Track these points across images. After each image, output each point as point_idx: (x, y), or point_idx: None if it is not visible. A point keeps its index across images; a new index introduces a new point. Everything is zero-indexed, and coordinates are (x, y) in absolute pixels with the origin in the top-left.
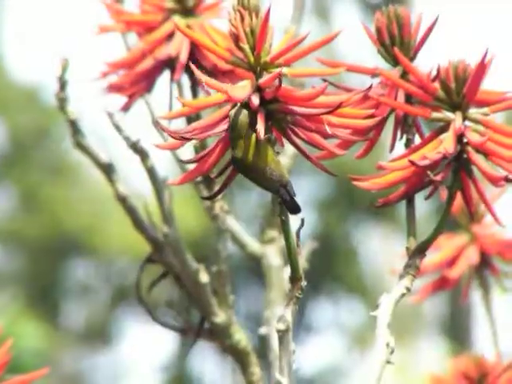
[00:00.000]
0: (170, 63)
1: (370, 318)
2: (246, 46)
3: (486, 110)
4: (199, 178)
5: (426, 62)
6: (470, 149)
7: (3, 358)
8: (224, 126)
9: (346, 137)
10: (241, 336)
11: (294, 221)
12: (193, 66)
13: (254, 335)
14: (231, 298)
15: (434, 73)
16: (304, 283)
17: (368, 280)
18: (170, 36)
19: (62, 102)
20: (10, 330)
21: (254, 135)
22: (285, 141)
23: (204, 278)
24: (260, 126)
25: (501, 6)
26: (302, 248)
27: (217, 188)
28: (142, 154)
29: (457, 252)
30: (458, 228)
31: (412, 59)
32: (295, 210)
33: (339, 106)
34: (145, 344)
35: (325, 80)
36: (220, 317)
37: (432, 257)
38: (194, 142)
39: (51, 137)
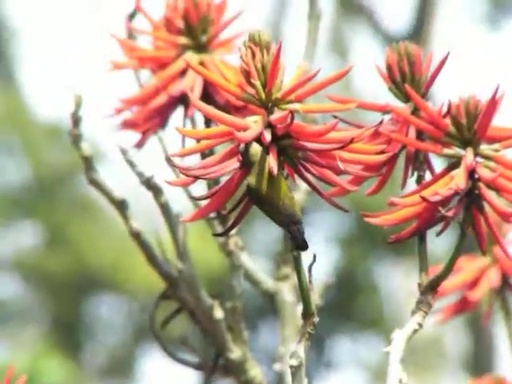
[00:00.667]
0: (183, 99)
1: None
2: (258, 83)
3: (497, 146)
4: (212, 214)
5: (441, 96)
6: (481, 185)
7: None
8: (235, 163)
9: (357, 173)
10: (256, 372)
11: (307, 257)
12: (202, 105)
13: (271, 371)
14: (246, 333)
15: (445, 109)
16: (316, 319)
17: (389, 316)
18: (183, 72)
19: (76, 138)
20: (33, 367)
21: (267, 167)
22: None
23: (218, 313)
24: (272, 162)
25: None
26: (315, 284)
27: (229, 224)
28: (156, 190)
29: (478, 274)
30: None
31: (423, 95)
32: (303, 247)
33: (351, 141)
34: (166, 380)
35: (335, 116)
36: (235, 353)
37: (453, 279)
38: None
39: (75, 173)
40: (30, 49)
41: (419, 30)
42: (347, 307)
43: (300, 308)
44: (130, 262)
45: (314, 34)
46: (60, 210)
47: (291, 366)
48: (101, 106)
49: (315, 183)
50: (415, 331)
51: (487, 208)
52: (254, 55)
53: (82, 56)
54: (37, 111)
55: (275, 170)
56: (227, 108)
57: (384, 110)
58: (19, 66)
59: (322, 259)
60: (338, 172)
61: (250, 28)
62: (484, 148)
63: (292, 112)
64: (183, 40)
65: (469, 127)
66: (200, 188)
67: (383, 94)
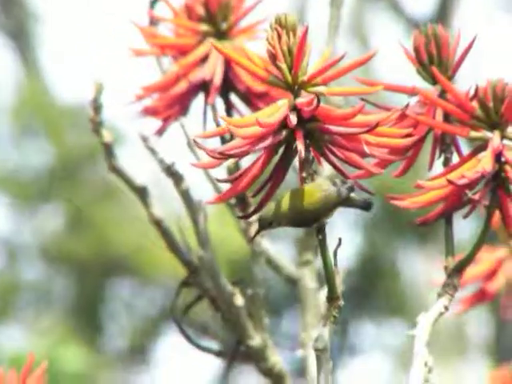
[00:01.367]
0: (204, 86)
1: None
2: (284, 65)
3: None
4: (235, 200)
5: (468, 80)
6: (508, 168)
7: (39, 381)
8: (265, 142)
9: (383, 156)
10: (276, 359)
11: (331, 241)
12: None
13: (293, 357)
14: (266, 320)
15: (473, 92)
16: (341, 303)
17: (412, 301)
18: (204, 59)
19: (97, 125)
20: (53, 353)
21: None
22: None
23: (239, 301)
24: (300, 145)
25: None
26: (339, 269)
27: (252, 208)
28: (177, 177)
29: (496, 265)
30: (498, 241)
31: (450, 78)
32: (368, 206)
33: (377, 125)
34: (186, 367)
35: (362, 99)
36: (255, 340)
37: (472, 269)
38: (227, 164)
39: (97, 156)
40: (53, 32)
41: (442, 15)
42: (370, 292)
43: (323, 293)
44: (153, 247)
45: (335, 21)
46: (83, 193)
47: (316, 349)
48: (122, 93)
49: (341, 166)
50: (441, 314)
51: None
52: (280, 38)
53: (104, 43)
54: (60, 94)
55: (303, 152)
56: (248, 96)
57: (411, 93)
58: (42, 50)
59: (345, 244)
60: (364, 155)
61: (271, 14)
62: (511, 131)
63: (318, 95)
64: (204, 27)
65: (496, 110)
66: (221, 174)
67: (403, 81)
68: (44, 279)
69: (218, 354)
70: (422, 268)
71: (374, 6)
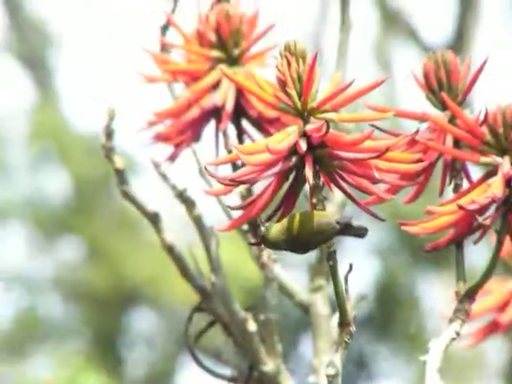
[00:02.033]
0: (216, 112)
1: None
2: (293, 92)
3: None
4: (247, 226)
5: (480, 104)
6: None
7: None
8: (275, 168)
9: (394, 182)
10: None
11: (343, 267)
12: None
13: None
14: (279, 346)
15: (482, 117)
16: (353, 329)
17: (430, 329)
18: (215, 85)
19: (109, 151)
20: (74, 382)
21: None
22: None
23: (252, 326)
24: (308, 172)
25: None
26: (350, 295)
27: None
28: (189, 203)
29: (508, 296)
30: (509, 272)
31: (460, 104)
32: (362, 233)
33: (386, 150)
34: None
35: (372, 125)
36: (268, 365)
37: (484, 301)
38: (240, 190)
39: (112, 186)
40: (68, 60)
41: (460, 41)
42: (388, 320)
43: (335, 319)
44: (169, 275)
45: (344, 46)
46: (99, 223)
47: (328, 376)
48: (134, 120)
49: (351, 192)
50: (453, 339)
51: None
52: (289, 65)
53: (116, 69)
54: (75, 122)
55: (311, 179)
56: (260, 121)
57: (421, 119)
58: (57, 76)
59: (361, 271)
60: (374, 181)
61: (282, 41)
62: None
63: (327, 122)
64: (215, 53)
65: (505, 136)
66: (234, 200)
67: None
68: (61, 310)
69: (232, 379)
70: (439, 295)
71: (394, 33)
